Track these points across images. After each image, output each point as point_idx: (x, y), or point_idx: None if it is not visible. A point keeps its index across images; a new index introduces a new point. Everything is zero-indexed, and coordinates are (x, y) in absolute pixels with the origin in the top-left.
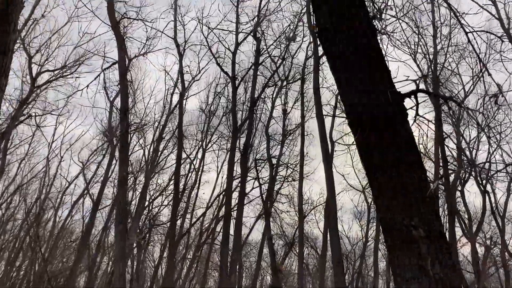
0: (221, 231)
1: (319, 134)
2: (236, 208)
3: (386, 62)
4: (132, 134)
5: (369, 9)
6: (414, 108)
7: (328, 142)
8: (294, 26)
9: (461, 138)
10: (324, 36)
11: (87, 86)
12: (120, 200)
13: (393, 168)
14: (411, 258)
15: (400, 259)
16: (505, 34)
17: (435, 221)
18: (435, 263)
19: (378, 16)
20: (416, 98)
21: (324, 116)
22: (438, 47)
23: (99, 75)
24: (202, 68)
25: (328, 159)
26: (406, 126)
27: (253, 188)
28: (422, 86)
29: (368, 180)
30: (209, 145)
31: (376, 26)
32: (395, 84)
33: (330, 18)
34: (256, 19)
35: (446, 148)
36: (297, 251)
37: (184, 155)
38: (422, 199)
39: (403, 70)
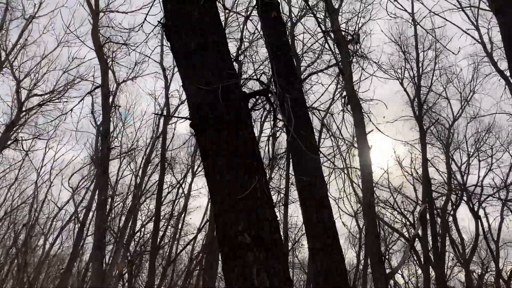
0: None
1: None
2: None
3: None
4: (122, 159)
5: (347, 32)
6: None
7: None
8: None
9: (451, 161)
10: (169, 32)
11: (71, 110)
12: (99, 225)
13: (226, 171)
14: (237, 267)
15: (228, 268)
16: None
17: (266, 227)
18: (260, 272)
19: (355, 40)
20: (268, 99)
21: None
22: (425, 70)
23: (82, 99)
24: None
25: None
26: (245, 129)
27: None
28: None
29: (207, 182)
30: (199, 169)
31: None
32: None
33: (175, 13)
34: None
35: (437, 171)
36: None
37: (174, 180)
38: (252, 204)
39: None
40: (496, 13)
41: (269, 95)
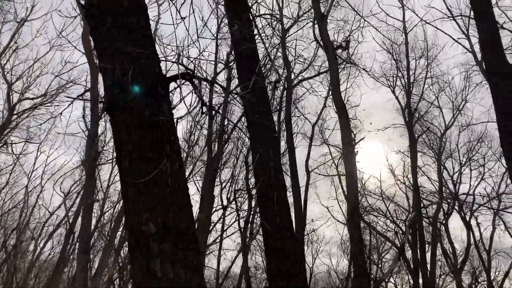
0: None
1: (289, 163)
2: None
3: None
4: (114, 164)
5: (335, 39)
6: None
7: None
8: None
9: (442, 170)
10: (90, 13)
11: (60, 113)
12: (85, 227)
13: (134, 157)
14: (141, 259)
15: (132, 259)
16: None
17: (174, 216)
18: (165, 263)
19: (344, 47)
20: (193, 84)
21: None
22: (417, 79)
23: (72, 102)
24: (181, 98)
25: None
26: (160, 113)
27: (236, 220)
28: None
29: (118, 170)
30: (190, 176)
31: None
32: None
33: None
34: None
35: (429, 180)
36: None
37: None
38: (160, 192)
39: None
40: (476, 19)
41: (194, 79)
